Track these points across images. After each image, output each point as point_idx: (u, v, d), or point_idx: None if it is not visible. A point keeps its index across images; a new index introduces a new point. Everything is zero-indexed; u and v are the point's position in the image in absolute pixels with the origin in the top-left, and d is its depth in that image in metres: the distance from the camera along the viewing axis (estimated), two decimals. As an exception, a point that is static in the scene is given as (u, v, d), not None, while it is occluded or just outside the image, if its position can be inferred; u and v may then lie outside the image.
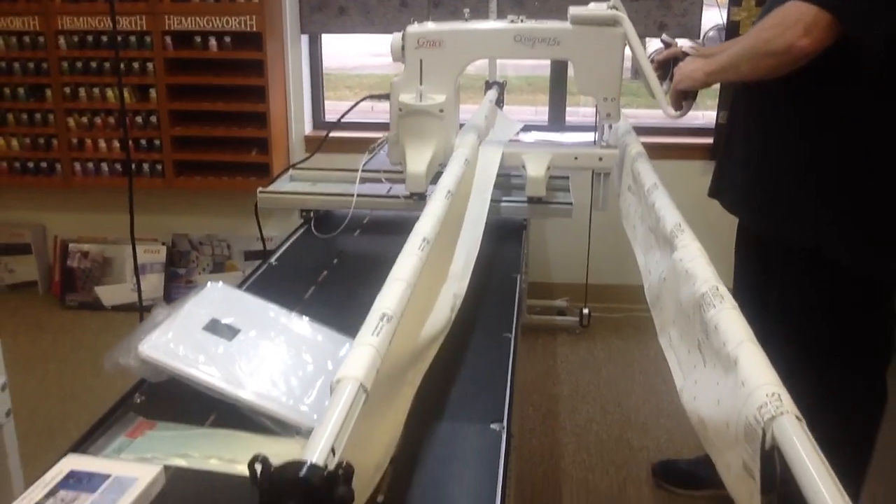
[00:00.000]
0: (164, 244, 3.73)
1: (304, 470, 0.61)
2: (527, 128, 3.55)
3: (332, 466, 0.62)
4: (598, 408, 2.74)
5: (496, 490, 1.01)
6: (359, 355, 0.83)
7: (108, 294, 3.68)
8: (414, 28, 1.97)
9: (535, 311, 3.41)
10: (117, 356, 1.16)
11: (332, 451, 0.67)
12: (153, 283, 3.68)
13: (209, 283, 1.37)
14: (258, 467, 0.62)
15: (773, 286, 1.89)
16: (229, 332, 1.25)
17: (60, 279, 3.77)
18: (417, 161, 1.95)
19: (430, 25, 1.98)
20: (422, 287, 1.13)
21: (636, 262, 1.56)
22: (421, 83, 1.95)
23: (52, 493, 0.95)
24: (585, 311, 3.30)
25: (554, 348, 3.21)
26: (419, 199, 2.01)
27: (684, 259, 1.22)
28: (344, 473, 0.61)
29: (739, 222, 2.03)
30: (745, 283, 2.02)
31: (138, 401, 1.21)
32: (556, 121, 3.66)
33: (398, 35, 1.97)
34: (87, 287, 3.71)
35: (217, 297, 1.34)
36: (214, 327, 1.25)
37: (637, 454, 2.47)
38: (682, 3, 3.38)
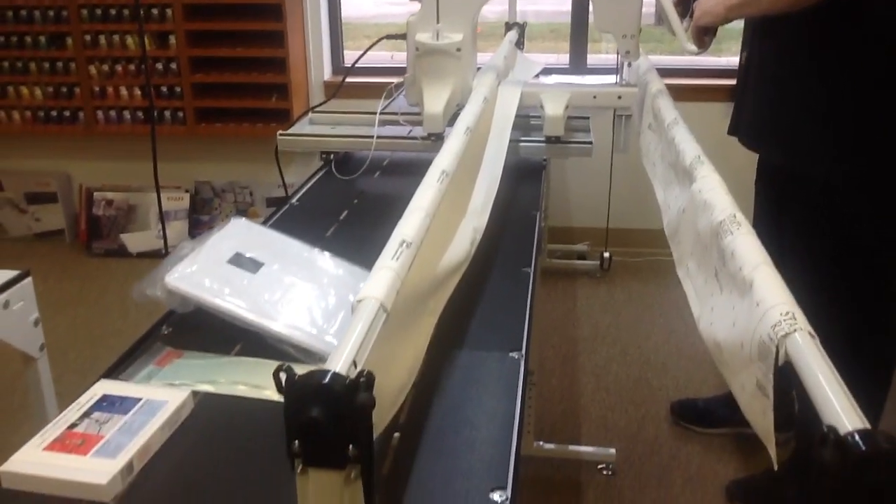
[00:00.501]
0: (187, 191, 3.77)
1: (328, 377, 0.64)
2: (546, 70, 3.51)
3: (353, 377, 0.65)
4: (618, 349, 2.76)
5: (514, 413, 1.03)
6: (379, 277, 0.84)
7: (134, 241, 3.74)
8: (432, -36, 1.96)
9: (555, 256, 3.43)
10: (145, 287, 1.19)
11: (354, 364, 0.69)
12: (177, 230, 3.72)
13: (232, 219, 1.39)
14: (283, 375, 0.64)
15: (788, 219, 1.90)
16: (253, 265, 1.28)
17: (86, 227, 3.82)
18: (435, 101, 1.95)
19: (448, -39, 1.96)
20: (441, 219, 1.15)
21: (657, 205, 1.57)
22: (438, 22, 1.94)
23: (86, 414, 0.98)
24: (606, 254, 3.31)
25: (574, 292, 3.22)
26: (437, 139, 2.01)
27: (703, 189, 1.22)
28: (366, 381, 0.63)
29: (759, 157, 2.03)
30: (763, 219, 2.02)
31: (166, 332, 1.24)
32: (577, 64, 3.62)
33: (415, -26, 1.96)
34: (112, 234, 3.77)
35: (240, 232, 1.36)
36: (238, 261, 1.28)
37: (656, 393, 2.50)
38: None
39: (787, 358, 0.76)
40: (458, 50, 1.95)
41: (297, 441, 0.65)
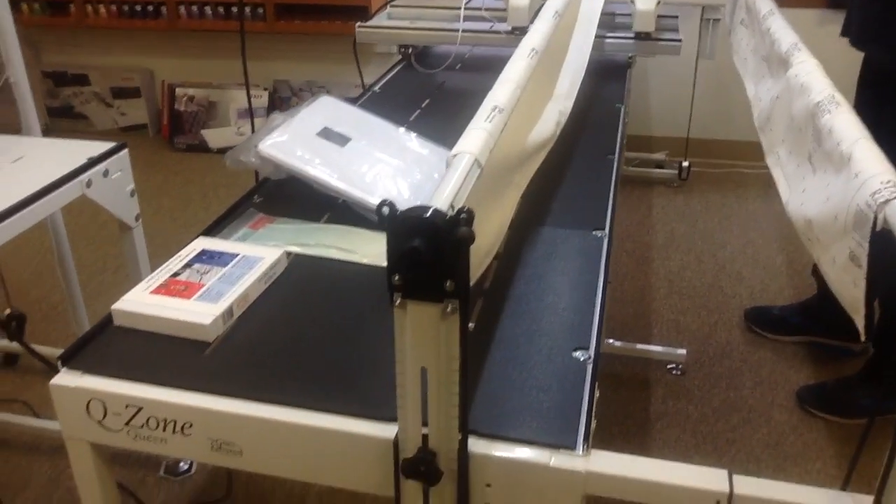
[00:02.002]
0: (265, 90, 3.81)
1: (430, 212, 0.66)
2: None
3: (453, 213, 0.67)
4: (693, 256, 2.74)
5: (598, 284, 1.05)
6: (473, 135, 0.86)
7: (214, 137, 3.82)
8: None
9: (632, 164, 3.38)
10: (238, 154, 1.23)
11: (452, 206, 0.71)
12: (255, 128, 3.78)
13: (321, 96, 1.41)
14: (386, 210, 0.66)
15: (886, 127, 1.83)
16: (341, 139, 1.30)
17: (168, 122, 3.91)
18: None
19: None
20: (529, 94, 1.15)
21: (740, 115, 1.54)
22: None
23: (187, 265, 1.04)
24: (685, 163, 3.25)
25: (650, 200, 3.19)
26: (521, 33, 1.99)
27: (800, 74, 1.20)
28: (466, 217, 0.65)
29: (863, 59, 1.96)
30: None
31: (257, 201, 1.29)
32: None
33: None
34: (193, 130, 3.85)
35: (328, 108, 1.39)
36: (327, 134, 1.30)
37: (730, 301, 2.48)
38: None
39: (886, 224, 0.75)
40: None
41: (397, 274, 0.67)
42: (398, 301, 0.69)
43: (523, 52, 1.18)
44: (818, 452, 1.90)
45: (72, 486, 1.77)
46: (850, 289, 0.83)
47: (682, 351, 2.17)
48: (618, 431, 1.96)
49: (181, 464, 1.82)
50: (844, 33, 1.94)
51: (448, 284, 0.67)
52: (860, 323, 0.82)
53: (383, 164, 1.28)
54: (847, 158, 0.90)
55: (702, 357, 2.21)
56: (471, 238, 0.65)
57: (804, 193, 1.07)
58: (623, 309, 2.42)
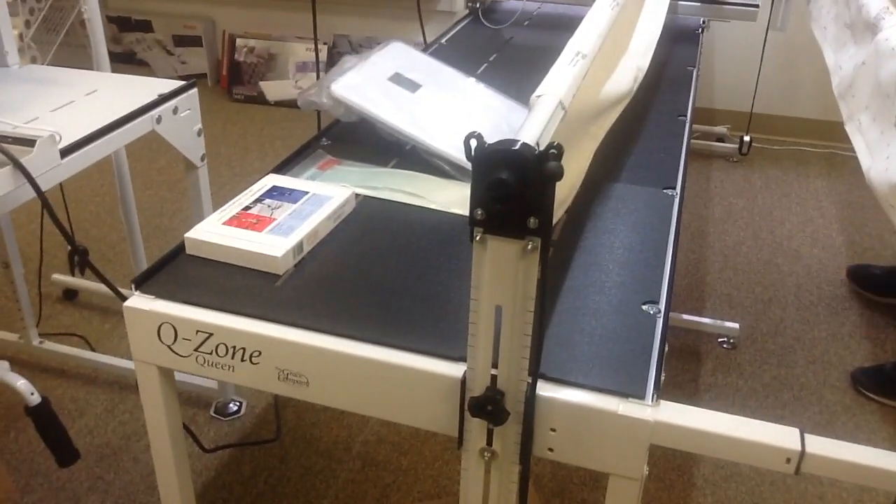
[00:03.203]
0: (325, 44, 3.80)
1: (518, 145, 0.65)
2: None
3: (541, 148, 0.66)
4: (750, 232, 2.69)
5: (668, 240, 1.03)
6: (558, 77, 0.84)
7: (272, 89, 3.83)
8: None
9: (693, 136, 3.31)
10: (310, 94, 1.22)
11: (537, 144, 0.70)
12: (313, 82, 3.78)
13: (392, 42, 1.40)
14: (473, 142, 0.66)
15: None
16: (412, 85, 1.30)
17: (228, 72, 3.94)
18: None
19: None
20: (609, 45, 1.12)
21: (806, 90, 1.49)
22: None
23: (259, 200, 1.04)
24: (746, 138, 3.18)
25: (709, 173, 3.13)
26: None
27: (891, 37, 1.15)
28: (556, 152, 0.64)
29: None
30: None
31: (325, 143, 1.29)
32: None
33: None
34: (252, 81, 3.87)
35: (399, 54, 1.38)
36: (399, 79, 1.29)
37: (786, 278, 2.43)
38: None
39: None
40: None
41: (480, 208, 0.67)
42: (479, 236, 0.68)
43: (605, 4, 1.16)
44: (870, 435, 1.86)
45: (124, 418, 1.82)
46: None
47: (735, 325, 2.14)
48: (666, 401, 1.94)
49: (231, 404, 1.86)
50: None
51: (532, 221, 0.66)
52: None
53: (453, 112, 1.27)
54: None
55: (754, 333, 2.18)
56: (560, 173, 0.64)
57: (889, 160, 1.04)
58: (678, 280, 2.39)
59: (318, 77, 2.51)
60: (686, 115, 1.42)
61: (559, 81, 0.83)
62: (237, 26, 3.94)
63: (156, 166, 3.04)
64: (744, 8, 2.00)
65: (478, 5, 2.14)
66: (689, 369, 2.05)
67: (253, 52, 3.88)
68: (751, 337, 2.16)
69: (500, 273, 0.70)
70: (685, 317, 2.19)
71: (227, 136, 3.46)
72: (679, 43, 1.89)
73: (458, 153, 1.17)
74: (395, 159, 1.23)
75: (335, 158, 1.23)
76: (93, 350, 2.05)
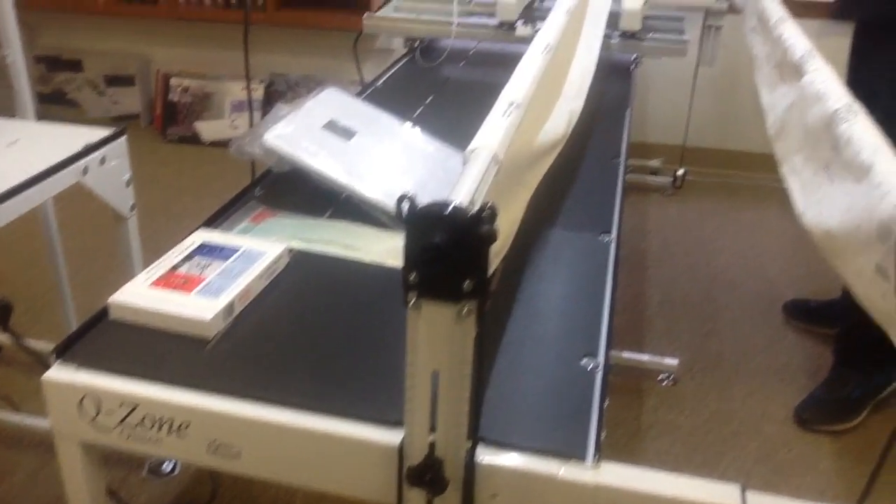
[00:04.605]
0: (261, 82, 3.77)
1: (450, 208, 0.63)
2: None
3: (475, 210, 0.64)
4: (687, 265, 2.73)
5: (605, 289, 1.03)
6: (489, 131, 0.83)
7: (207, 129, 3.77)
8: None
9: (628, 170, 3.36)
10: (243, 144, 1.20)
11: (472, 203, 0.69)
12: (246, 131, 3.74)
13: (327, 88, 1.39)
14: (405, 205, 0.64)
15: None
16: (346, 133, 1.28)
17: (162, 112, 3.87)
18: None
19: None
20: (542, 92, 1.13)
21: (737, 124, 1.53)
22: None
23: (187, 258, 1.01)
24: (680, 171, 3.24)
25: (645, 207, 3.17)
26: (508, 28, 1.98)
27: (816, 81, 1.18)
28: (489, 213, 0.63)
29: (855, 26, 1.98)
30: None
31: (259, 194, 1.26)
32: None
33: None
34: (187, 121, 3.81)
35: (334, 100, 1.36)
36: (333, 127, 1.28)
37: (722, 310, 2.47)
38: None
39: (912, 237, 0.73)
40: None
41: (414, 272, 0.65)
42: (413, 300, 0.66)
43: (538, 48, 1.16)
44: (808, 468, 1.88)
45: (49, 484, 1.74)
46: (879, 302, 0.81)
47: (674, 361, 2.15)
48: (608, 441, 1.93)
49: (165, 464, 1.79)
50: (834, 16, 1.97)
51: (467, 284, 0.65)
52: (894, 337, 0.80)
53: (388, 159, 1.26)
54: (868, 168, 0.88)
55: (693, 367, 2.20)
56: (494, 236, 0.63)
57: (822, 203, 1.05)
58: (617, 316, 2.40)
59: (250, 119, 2.48)
60: (620, 157, 1.43)
61: (493, 134, 0.83)
62: (172, 65, 3.88)
63: (87, 210, 2.94)
64: (673, 45, 2.04)
65: (415, 45, 2.14)
66: (631, 407, 2.05)
67: (188, 92, 3.82)
68: (690, 372, 2.18)
69: (436, 338, 0.68)
70: (625, 354, 2.19)
71: (161, 177, 3.39)
72: (613, 80, 1.92)
73: (393, 202, 1.15)
74: (331, 208, 1.21)
75: (269, 210, 1.20)
76: (17, 410, 1.95)
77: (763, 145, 3.36)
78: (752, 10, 1.81)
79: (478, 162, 0.76)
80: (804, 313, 2.41)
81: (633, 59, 2.05)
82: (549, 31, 1.23)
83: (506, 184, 0.95)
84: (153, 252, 1.00)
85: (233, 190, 1.26)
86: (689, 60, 2.44)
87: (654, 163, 3.43)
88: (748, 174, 3.33)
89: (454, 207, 0.63)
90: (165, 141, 3.81)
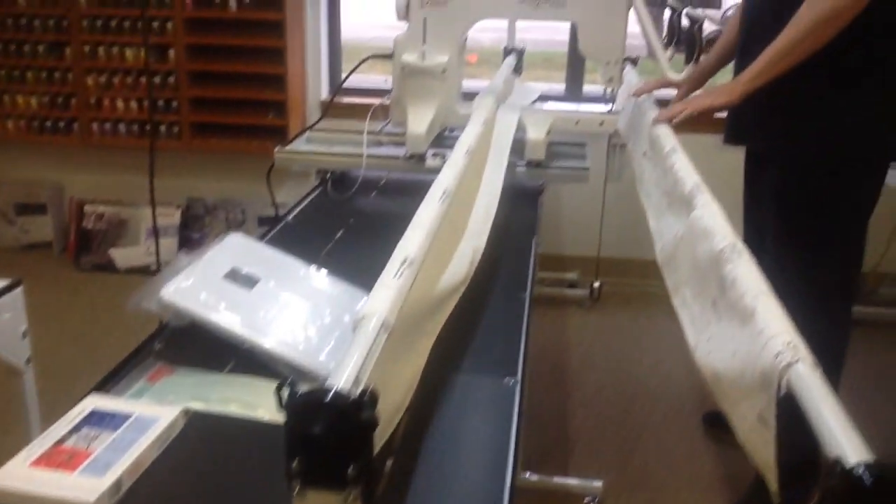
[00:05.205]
0: (178, 207, 3.74)
1: (330, 395, 0.62)
2: (542, 97, 3.53)
3: (356, 394, 0.63)
4: (608, 378, 2.75)
5: (510, 441, 1.02)
6: (381, 295, 0.84)
7: (122, 256, 3.71)
8: (420, -14, 1.98)
9: (546, 284, 3.42)
10: (140, 300, 1.17)
11: (357, 382, 0.68)
12: (166, 247, 3.69)
13: (229, 234, 1.38)
14: (285, 392, 0.63)
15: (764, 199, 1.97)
16: (249, 281, 1.27)
17: (75, 240, 3.79)
18: (418, 122, 1.96)
19: (436, -17, 1.98)
20: (442, 238, 1.14)
21: (649, 234, 1.57)
22: (424, 42, 1.95)
23: (75, 429, 0.97)
24: (596, 284, 3.31)
25: (564, 321, 3.21)
26: (418, 160, 2.02)
27: (703, 217, 1.22)
28: (369, 399, 0.62)
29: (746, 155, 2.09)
30: (749, 218, 2.07)
31: (158, 347, 1.23)
32: (573, 91, 3.64)
33: (404, -8, 1.97)
34: (101, 249, 3.74)
35: (237, 247, 1.35)
36: (235, 276, 1.26)
37: (645, 423, 2.48)
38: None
39: (789, 389, 0.75)
40: (444, 71, 1.96)
41: (296, 460, 0.63)
42: (297, 489, 0.65)
43: (435, 197, 1.19)
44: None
45: None
46: (761, 449, 0.82)
47: (598, 483, 2.14)
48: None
49: None
50: (726, 140, 2.04)
51: (351, 471, 0.63)
52: (772, 484, 0.81)
53: (292, 306, 1.25)
54: (751, 313, 0.91)
55: (619, 487, 2.18)
56: (375, 423, 0.62)
57: (710, 342, 1.08)
58: (541, 437, 2.39)
59: (157, 249, 2.43)
60: (525, 292, 1.45)
61: (382, 300, 0.83)
62: (86, 192, 3.83)
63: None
64: (576, 172, 2.12)
65: (327, 175, 2.17)
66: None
67: (102, 219, 3.76)
68: (616, 492, 2.16)
69: (323, 525, 0.66)
70: (550, 479, 2.17)
71: (74, 308, 3.29)
72: (520, 207, 1.95)
73: (294, 354, 1.14)
74: (232, 361, 1.18)
75: (167, 366, 1.17)
76: None
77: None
78: (645, 135, 1.87)
79: (364, 335, 0.76)
80: (723, 422, 2.42)
81: (539, 184, 2.11)
82: (447, 176, 1.27)
83: (402, 339, 0.95)
84: (59, 396, 0.96)
85: (146, 323, 1.22)
86: (598, 175, 2.52)
87: (572, 275, 3.50)
88: (661, 283, 3.42)
89: (334, 394, 0.62)
90: (79, 270, 3.72)
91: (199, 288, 1.19)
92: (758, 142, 1.96)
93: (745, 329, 0.92)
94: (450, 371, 1.18)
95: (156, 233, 1.66)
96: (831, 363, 1.91)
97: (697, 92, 2.05)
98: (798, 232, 1.88)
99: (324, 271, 1.37)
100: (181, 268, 1.23)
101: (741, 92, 1.72)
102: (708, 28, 2.07)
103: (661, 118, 1.76)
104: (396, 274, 0.89)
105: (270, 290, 1.26)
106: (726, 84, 1.79)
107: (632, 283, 3.47)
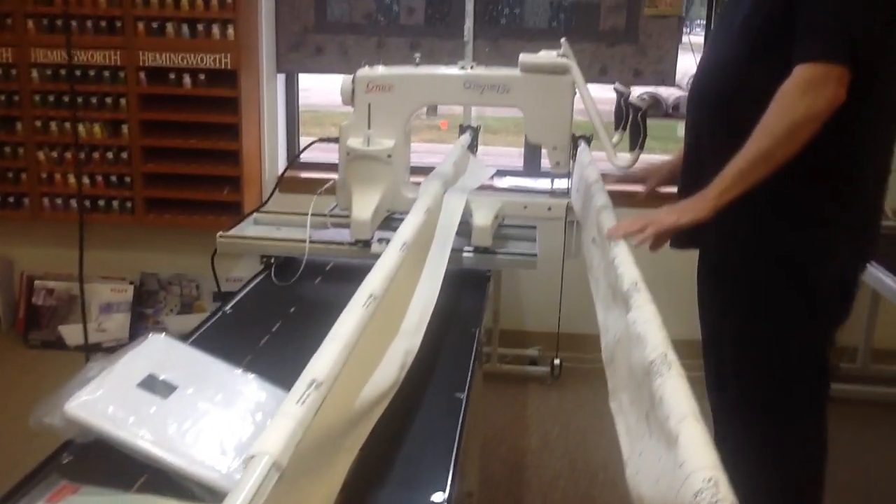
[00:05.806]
0: (131, 283, 3.67)
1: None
2: (500, 173, 3.53)
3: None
4: (566, 462, 2.68)
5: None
6: (277, 428, 0.78)
7: (72, 333, 3.61)
8: (364, 71, 1.97)
9: (506, 360, 3.37)
10: (43, 414, 1.11)
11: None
12: (119, 323, 3.61)
13: (150, 335, 1.32)
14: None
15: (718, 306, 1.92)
16: (166, 389, 1.20)
17: (24, 316, 3.69)
18: (363, 207, 1.93)
19: (381, 69, 1.97)
20: (366, 346, 1.09)
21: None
22: (369, 127, 1.94)
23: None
24: (557, 361, 3.25)
25: (524, 398, 3.16)
26: (364, 246, 1.98)
27: (637, 321, 1.19)
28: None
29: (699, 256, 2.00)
30: (704, 319, 2.01)
31: (65, 461, 1.15)
32: (531, 166, 3.65)
33: (348, 78, 1.97)
34: (51, 325, 3.64)
35: (157, 350, 1.29)
36: (150, 384, 1.20)
37: (603, 511, 2.42)
38: (657, 50, 3.40)
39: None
40: (389, 156, 1.94)
41: None
42: None
43: (358, 303, 1.14)
44: None
45: None
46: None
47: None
48: None
49: None
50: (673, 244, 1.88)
51: None
52: None
53: (210, 417, 1.18)
54: (675, 438, 0.87)
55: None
56: None
57: (641, 458, 1.03)
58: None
59: (85, 335, 2.34)
60: (464, 392, 1.40)
61: (277, 435, 0.77)
62: (36, 267, 3.75)
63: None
64: (524, 258, 2.09)
65: (271, 260, 2.11)
66: None
67: (52, 295, 3.67)
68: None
69: None
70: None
71: (20, 387, 3.18)
72: (465, 293, 1.91)
73: (206, 473, 1.07)
74: (143, 477, 1.11)
75: (71, 484, 1.09)
76: None
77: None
78: (593, 221, 1.84)
79: (252, 475, 0.70)
80: None
81: (486, 271, 2.07)
82: (375, 279, 1.22)
83: (314, 459, 0.89)
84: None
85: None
86: (556, 250, 2.49)
87: (532, 351, 3.45)
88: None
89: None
90: (27, 346, 3.62)
91: (108, 400, 1.12)
92: (712, 249, 1.90)
93: (669, 454, 0.88)
94: (374, 487, 1.12)
95: (83, 313, 1.59)
96: (810, 477, 1.83)
97: (663, 208, 1.73)
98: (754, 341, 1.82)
99: (250, 375, 1.30)
100: (91, 376, 1.16)
101: (711, 208, 1.60)
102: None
103: (617, 233, 1.56)
104: (301, 399, 0.84)
105: (188, 399, 1.19)
106: (693, 199, 1.65)
107: (593, 358, 3.39)
